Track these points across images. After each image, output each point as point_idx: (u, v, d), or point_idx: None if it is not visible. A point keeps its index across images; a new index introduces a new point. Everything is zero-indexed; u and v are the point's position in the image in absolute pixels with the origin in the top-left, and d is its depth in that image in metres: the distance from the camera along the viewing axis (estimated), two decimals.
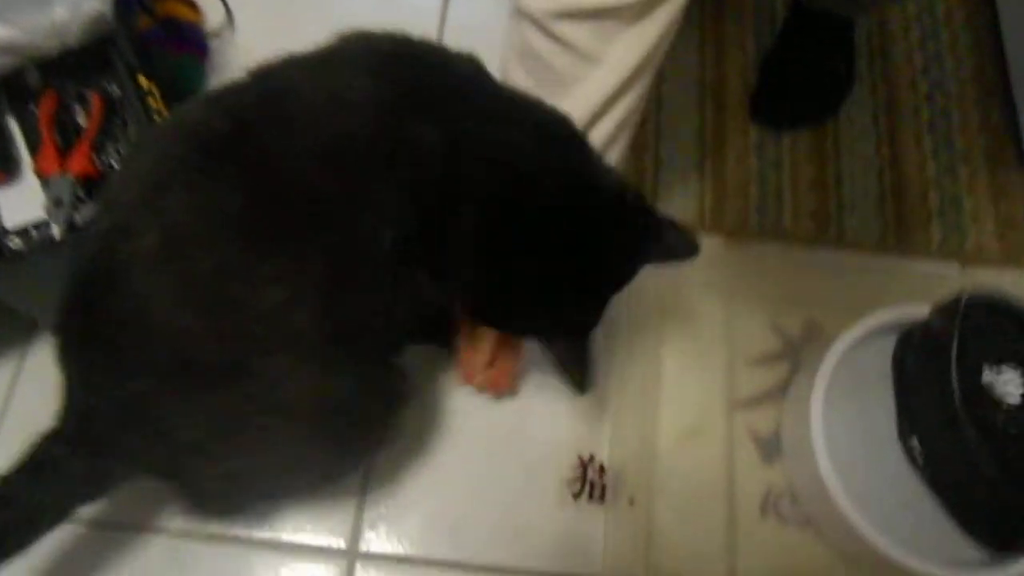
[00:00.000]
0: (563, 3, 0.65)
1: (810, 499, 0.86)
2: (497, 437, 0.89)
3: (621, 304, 0.76)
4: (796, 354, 0.96)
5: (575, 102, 0.68)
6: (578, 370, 0.78)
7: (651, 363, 0.94)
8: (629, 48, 0.67)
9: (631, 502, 0.85)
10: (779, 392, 0.94)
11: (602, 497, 0.88)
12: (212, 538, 0.82)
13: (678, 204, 1.03)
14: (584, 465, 0.89)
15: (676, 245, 0.73)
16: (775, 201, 1.05)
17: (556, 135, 0.67)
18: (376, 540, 0.84)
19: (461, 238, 0.63)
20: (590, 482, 0.88)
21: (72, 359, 0.61)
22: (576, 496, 0.88)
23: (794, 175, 1.07)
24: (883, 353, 0.87)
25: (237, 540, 0.83)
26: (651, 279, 0.74)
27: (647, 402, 0.92)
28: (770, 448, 0.92)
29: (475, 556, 0.84)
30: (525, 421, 0.90)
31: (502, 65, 0.72)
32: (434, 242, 0.63)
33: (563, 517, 0.87)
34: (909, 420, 0.83)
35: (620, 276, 0.71)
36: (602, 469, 0.89)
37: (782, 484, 0.89)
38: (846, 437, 0.83)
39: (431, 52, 0.68)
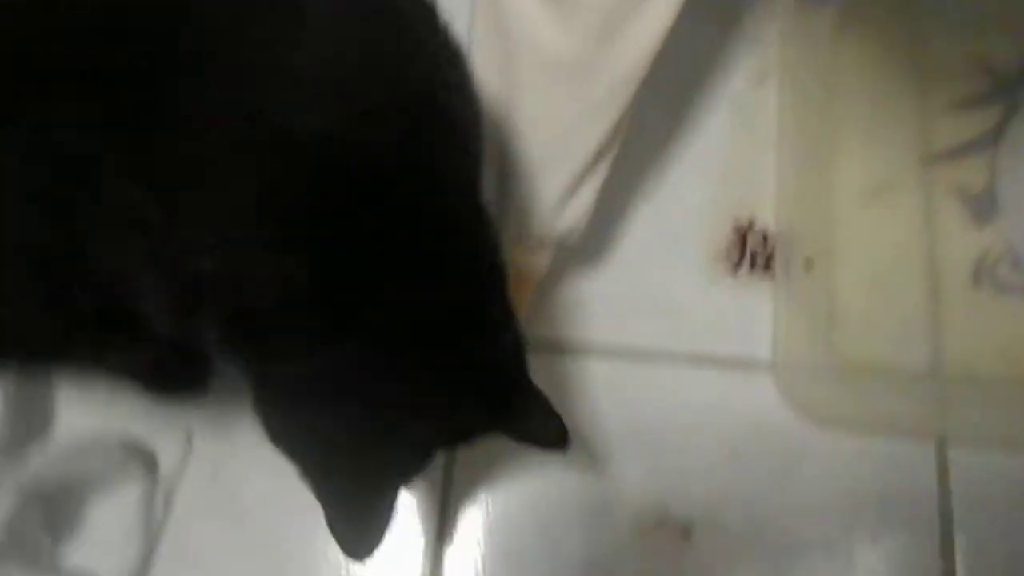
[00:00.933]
0: None
1: None
2: (633, 207, 0.72)
3: None
4: (1011, 94, 0.75)
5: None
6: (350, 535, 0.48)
7: (821, 108, 0.74)
8: None
9: (808, 266, 0.68)
10: (990, 140, 0.74)
11: (767, 266, 0.71)
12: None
13: None
14: (742, 233, 0.72)
15: (541, 431, 0.51)
16: None
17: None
18: None
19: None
20: (751, 252, 0.71)
21: None
22: (735, 267, 0.71)
23: None
24: None
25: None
26: None
27: (820, 155, 0.73)
28: (982, 206, 0.72)
29: (618, 338, 0.69)
30: (665, 186, 0.73)
31: None
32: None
33: (718, 294, 0.71)
34: None
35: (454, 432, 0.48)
36: (764, 238, 0.72)
37: (1000, 247, 0.70)
38: None
39: None
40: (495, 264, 0.44)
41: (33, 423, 0.64)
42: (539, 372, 0.67)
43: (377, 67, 0.38)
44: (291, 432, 0.45)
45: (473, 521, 0.64)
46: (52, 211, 0.37)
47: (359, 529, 0.47)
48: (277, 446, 0.45)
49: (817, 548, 0.64)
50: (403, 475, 0.48)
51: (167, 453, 0.65)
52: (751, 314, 0.70)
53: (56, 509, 0.63)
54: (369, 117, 0.38)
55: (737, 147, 0.74)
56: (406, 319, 0.40)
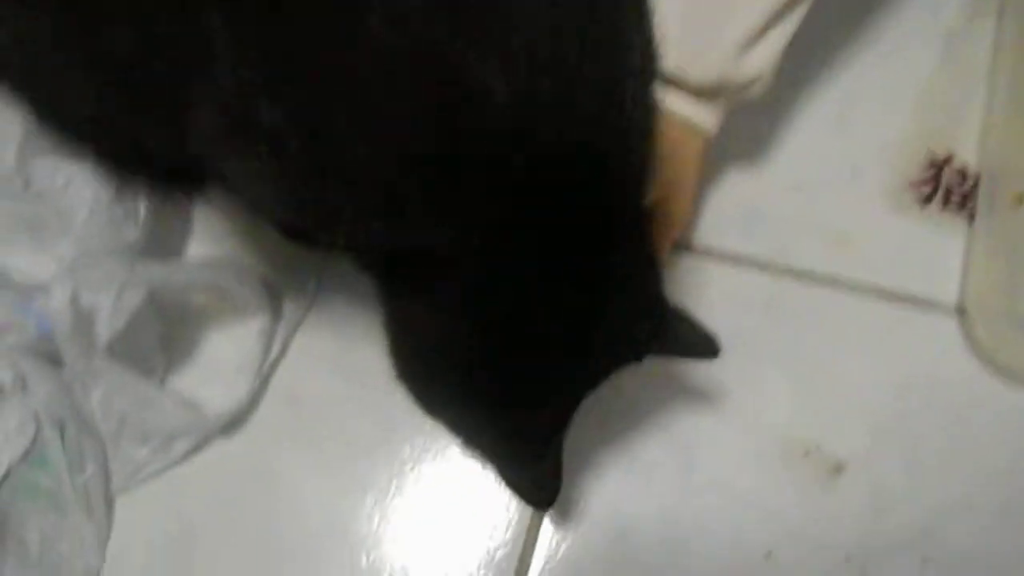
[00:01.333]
0: None
1: None
2: (815, 127, 0.66)
3: None
4: None
5: None
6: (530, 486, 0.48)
7: None
8: None
9: (1019, 202, 0.60)
10: None
11: (962, 204, 0.63)
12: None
13: None
14: (938, 166, 0.65)
15: (692, 342, 0.47)
16: None
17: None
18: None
19: None
20: (946, 187, 0.64)
21: None
22: (925, 201, 0.64)
23: None
24: None
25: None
26: None
27: None
28: None
29: (782, 256, 0.63)
30: (853, 112, 0.66)
31: None
32: None
33: (900, 226, 0.63)
34: None
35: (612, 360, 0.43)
36: (963, 174, 0.64)
37: None
38: None
39: None
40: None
41: (170, 240, 0.63)
42: (690, 279, 0.62)
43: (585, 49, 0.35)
44: (431, 387, 0.44)
45: (603, 438, 0.59)
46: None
47: (531, 478, 0.46)
48: (404, 382, 0.44)
49: (989, 510, 0.55)
50: (559, 419, 0.44)
51: (292, 296, 0.63)
52: (938, 251, 0.62)
53: (175, 327, 0.62)
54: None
55: (940, 80, 0.67)
56: (554, 238, 0.37)
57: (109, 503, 0.59)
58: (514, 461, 0.46)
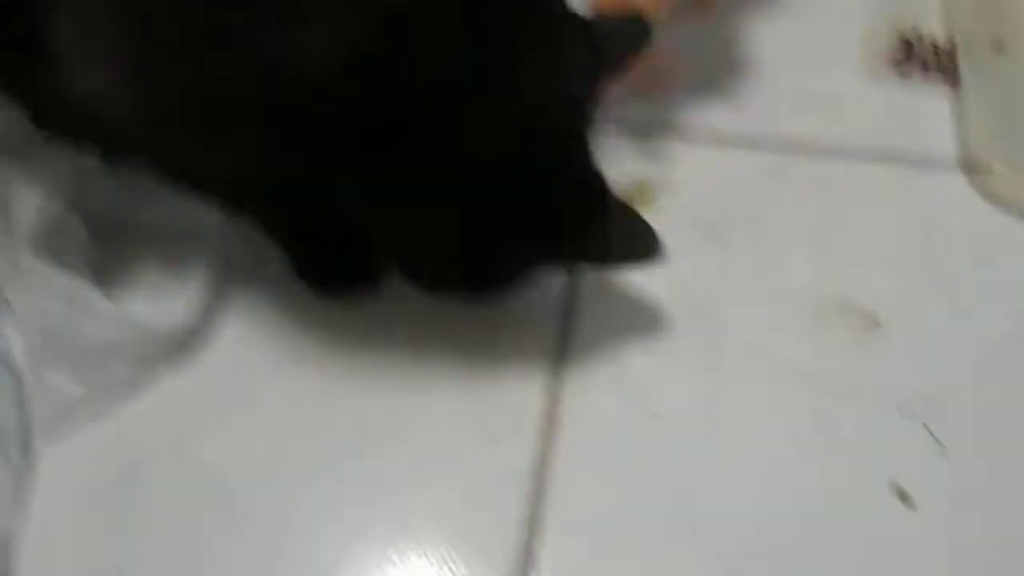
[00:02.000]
0: None
1: None
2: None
3: None
4: None
5: None
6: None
7: None
8: None
9: (997, 47, 0.59)
10: None
11: (943, 71, 0.62)
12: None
13: None
14: (908, 43, 0.64)
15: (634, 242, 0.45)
16: None
17: None
18: None
19: None
20: (922, 60, 0.63)
21: None
22: (902, 73, 0.63)
23: None
24: None
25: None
26: None
27: None
28: None
29: (773, 130, 0.60)
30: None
31: None
32: None
33: (884, 94, 0.62)
34: None
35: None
36: (935, 47, 0.64)
37: None
38: None
39: None
40: None
41: None
42: (685, 162, 0.58)
43: None
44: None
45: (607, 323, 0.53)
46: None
47: None
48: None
49: None
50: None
51: None
52: (927, 114, 0.61)
53: (107, 241, 0.52)
54: None
55: None
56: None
57: (27, 447, 0.48)
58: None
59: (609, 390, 0.49)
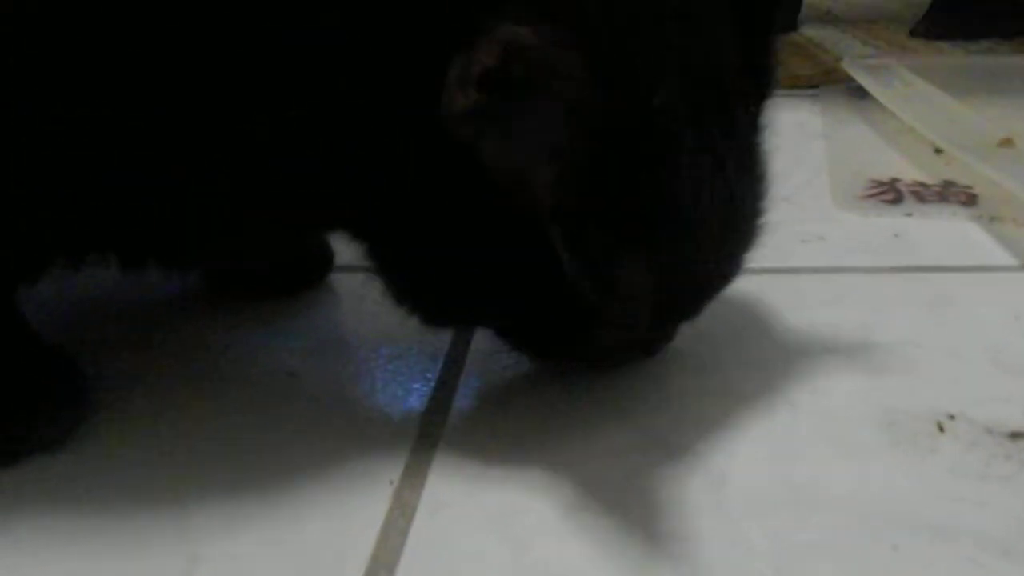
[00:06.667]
0: None
1: None
2: None
3: None
4: None
5: None
6: None
7: None
8: None
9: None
10: None
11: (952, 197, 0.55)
12: None
13: None
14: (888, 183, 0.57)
15: None
16: None
17: None
18: None
19: None
20: (912, 192, 0.57)
21: None
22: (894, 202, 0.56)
23: None
24: None
25: None
26: None
27: None
28: None
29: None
30: None
31: None
32: None
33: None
34: None
35: None
36: (921, 183, 0.57)
37: None
38: None
39: None
40: None
41: None
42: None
43: None
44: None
45: None
46: None
47: None
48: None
49: None
50: None
51: None
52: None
53: None
54: None
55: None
56: None
57: None
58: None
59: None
